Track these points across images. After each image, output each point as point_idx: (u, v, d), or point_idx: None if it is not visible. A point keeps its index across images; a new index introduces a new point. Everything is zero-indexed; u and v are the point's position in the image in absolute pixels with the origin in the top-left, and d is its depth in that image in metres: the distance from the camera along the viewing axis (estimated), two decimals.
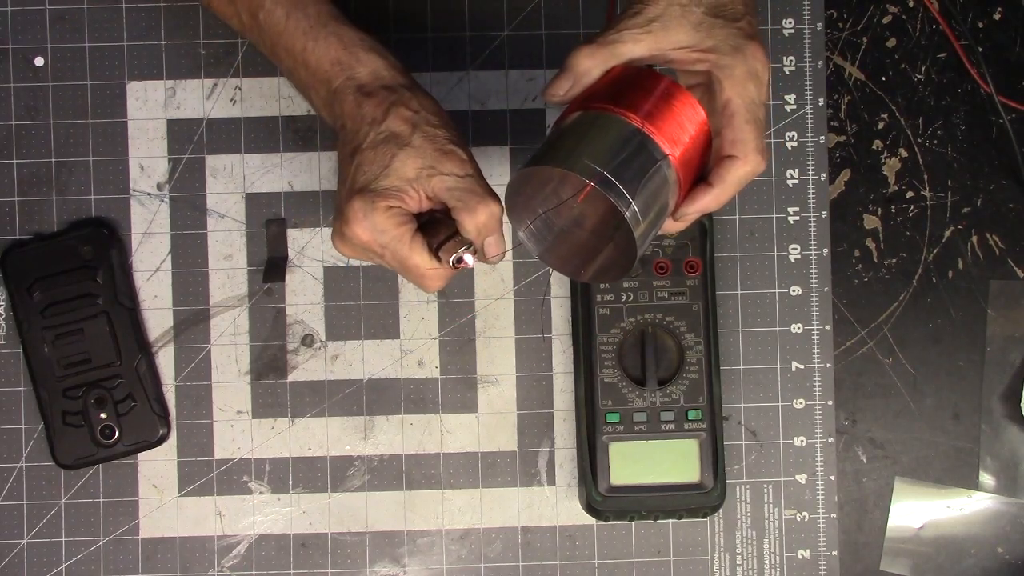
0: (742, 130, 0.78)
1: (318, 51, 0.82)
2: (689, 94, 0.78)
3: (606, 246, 0.81)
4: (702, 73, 0.79)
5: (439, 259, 0.80)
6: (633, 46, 0.78)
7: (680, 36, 0.78)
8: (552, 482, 0.98)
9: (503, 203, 0.80)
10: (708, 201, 0.79)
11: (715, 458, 0.94)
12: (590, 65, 0.78)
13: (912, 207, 1.00)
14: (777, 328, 0.99)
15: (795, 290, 0.99)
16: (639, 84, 0.78)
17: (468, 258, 0.80)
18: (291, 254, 0.98)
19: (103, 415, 0.96)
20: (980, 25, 1.00)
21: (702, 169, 0.80)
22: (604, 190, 0.73)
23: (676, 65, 0.80)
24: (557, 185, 0.81)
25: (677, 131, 0.77)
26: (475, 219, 0.78)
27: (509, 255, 0.98)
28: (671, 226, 0.81)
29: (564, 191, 0.81)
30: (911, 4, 1.00)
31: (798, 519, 0.98)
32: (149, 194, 0.98)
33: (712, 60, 0.78)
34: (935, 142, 1.00)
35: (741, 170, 0.78)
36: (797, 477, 0.98)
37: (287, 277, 0.98)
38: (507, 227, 0.81)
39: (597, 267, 0.80)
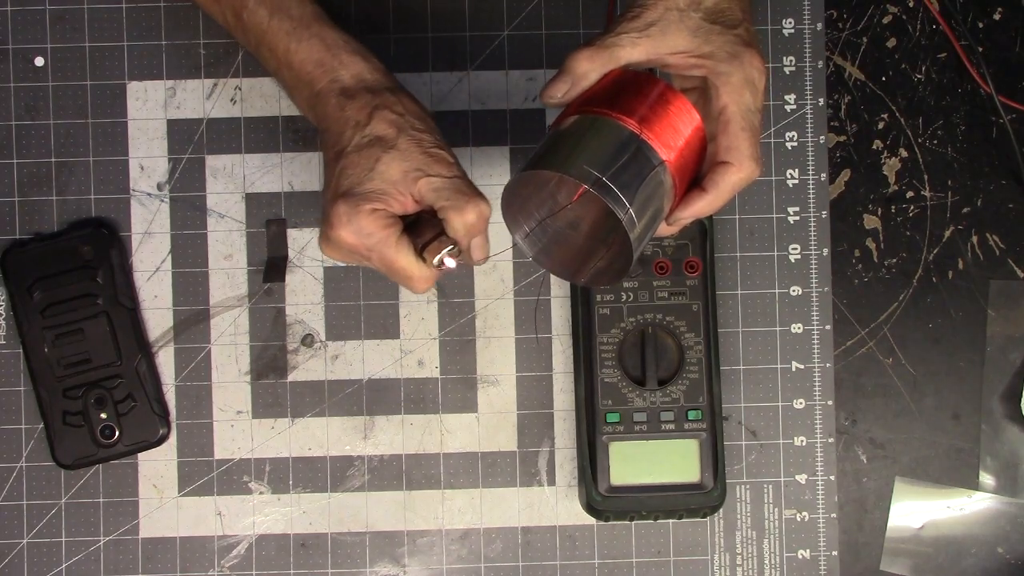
0: (737, 137, 0.78)
1: (301, 53, 0.82)
2: (685, 99, 0.79)
3: (601, 250, 0.81)
4: (698, 78, 0.80)
5: (424, 259, 0.80)
6: (631, 50, 0.78)
7: (677, 41, 0.78)
8: (552, 482, 0.98)
9: (494, 205, 0.79)
10: (702, 206, 0.79)
11: (715, 458, 0.94)
12: (588, 68, 0.78)
13: (912, 207, 1.00)
14: (777, 328, 0.99)
15: (795, 290, 0.99)
16: (636, 88, 0.78)
17: (449, 261, 0.80)
18: (291, 254, 0.98)
19: (103, 415, 0.96)
20: (980, 25, 1.00)
21: (696, 173, 0.80)
22: (601, 194, 0.74)
23: (672, 70, 0.80)
24: (554, 188, 0.81)
25: (673, 136, 0.77)
26: (464, 218, 0.78)
27: (508, 255, 0.98)
28: (664, 230, 0.81)
29: (560, 194, 0.81)
30: (911, 4, 1.00)
31: (798, 519, 0.98)
32: (149, 194, 0.98)
33: (709, 66, 0.78)
34: (935, 142, 1.00)
35: (735, 176, 0.79)
36: (797, 477, 0.98)
37: (287, 277, 0.98)
38: (494, 231, 0.82)
39: (593, 271, 0.81)
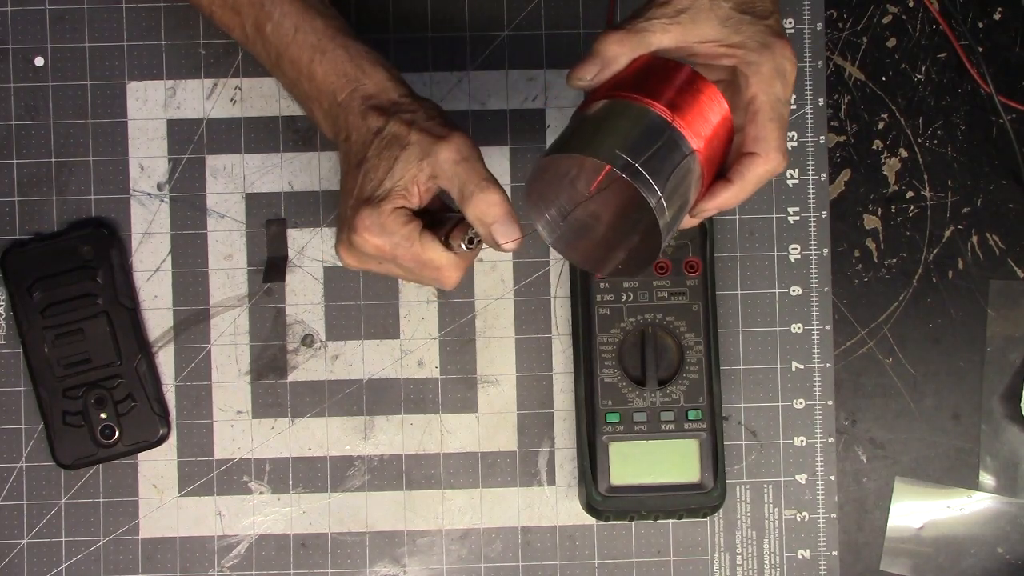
0: (765, 128, 0.78)
1: (325, 64, 0.82)
2: (715, 88, 0.78)
3: (623, 240, 0.80)
4: (726, 69, 0.79)
5: (451, 247, 0.80)
6: (661, 36, 0.78)
7: (707, 30, 0.78)
8: (552, 482, 0.98)
9: (504, 190, 0.79)
10: (727, 197, 0.79)
11: (715, 458, 0.94)
12: (618, 52, 0.78)
13: (912, 207, 1.00)
14: (777, 328, 0.99)
15: (795, 290, 0.99)
16: (666, 75, 0.77)
17: (474, 241, 0.79)
18: (291, 254, 0.98)
19: (103, 415, 0.96)
20: (980, 25, 1.00)
21: (721, 164, 0.79)
22: (632, 179, 0.73)
23: (701, 59, 0.79)
24: (575, 176, 0.80)
25: (703, 125, 0.77)
26: (473, 209, 0.78)
27: (509, 254, 0.98)
28: (688, 222, 0.80)
29: (581, 182, 0.80)
30: (911, 4, 1.00)
31: (798, 519, 0.98)
32: (149, 194, 0.98)
33: (739, 56, 0.78)
34: (935, 142, 1.00)
35: (762, 168, 0.78)
36: (797, 477, 0.98)
37: (287, 277, 0.98)
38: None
39: (616, 261, 0.80)
